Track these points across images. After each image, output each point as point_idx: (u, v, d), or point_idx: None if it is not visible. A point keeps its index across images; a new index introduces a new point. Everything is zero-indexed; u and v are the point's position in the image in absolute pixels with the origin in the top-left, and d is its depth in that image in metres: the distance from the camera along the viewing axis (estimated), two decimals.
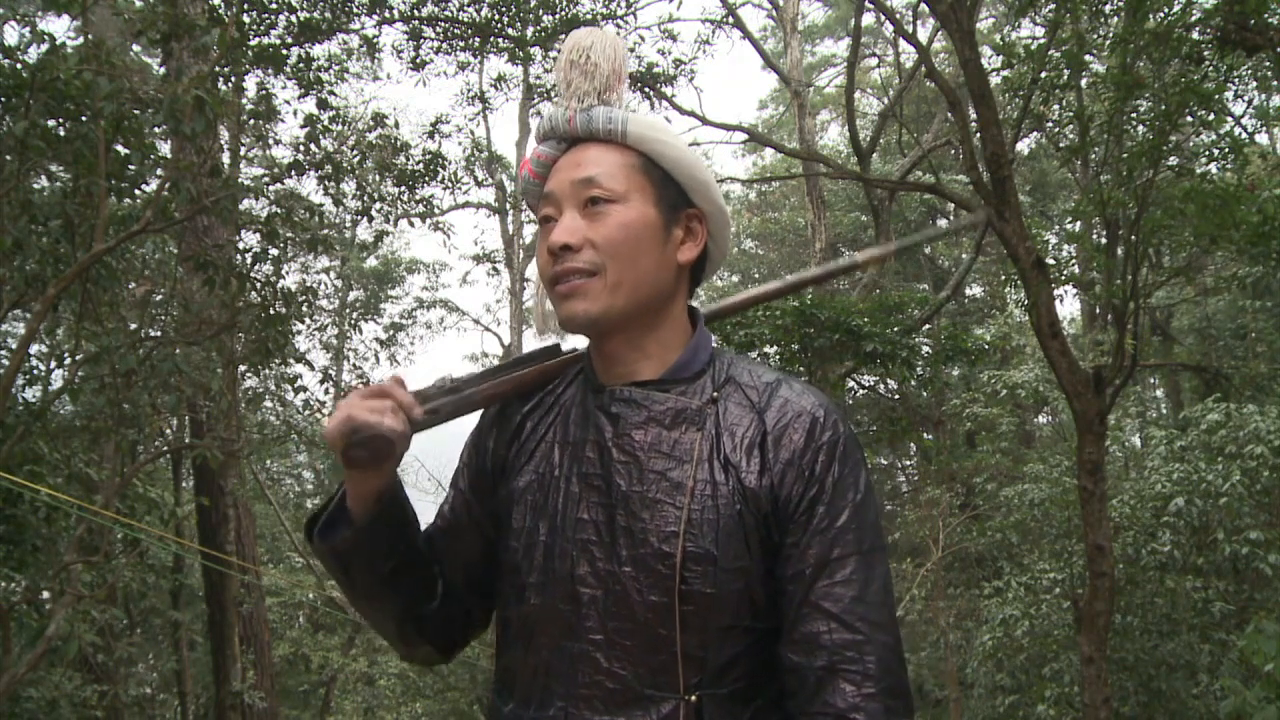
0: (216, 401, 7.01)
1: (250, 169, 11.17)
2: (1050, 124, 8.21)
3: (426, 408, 1.27)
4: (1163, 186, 7.16)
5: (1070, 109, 7.66)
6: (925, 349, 9.74)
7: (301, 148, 6.85)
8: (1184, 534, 9.23)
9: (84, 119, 5.04)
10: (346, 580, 1.30)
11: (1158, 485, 9.22)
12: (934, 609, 13.22)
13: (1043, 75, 7.13)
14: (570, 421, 1.31)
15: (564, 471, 1.27)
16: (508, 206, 18.55)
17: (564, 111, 1.31)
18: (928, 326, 11.70)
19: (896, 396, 16.19)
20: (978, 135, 7.00)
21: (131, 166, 5.25)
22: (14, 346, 6.95)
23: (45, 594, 6.20)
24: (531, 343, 1.47)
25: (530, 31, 10.55)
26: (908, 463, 19.35)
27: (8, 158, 5.09)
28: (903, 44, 13.90)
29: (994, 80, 7.74)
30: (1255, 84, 8.63)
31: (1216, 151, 7.37)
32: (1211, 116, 6.97)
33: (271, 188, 7.23)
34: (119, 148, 5.22)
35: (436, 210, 10.25)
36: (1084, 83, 7.77)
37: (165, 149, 7.11)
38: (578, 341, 1.36)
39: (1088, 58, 7.30)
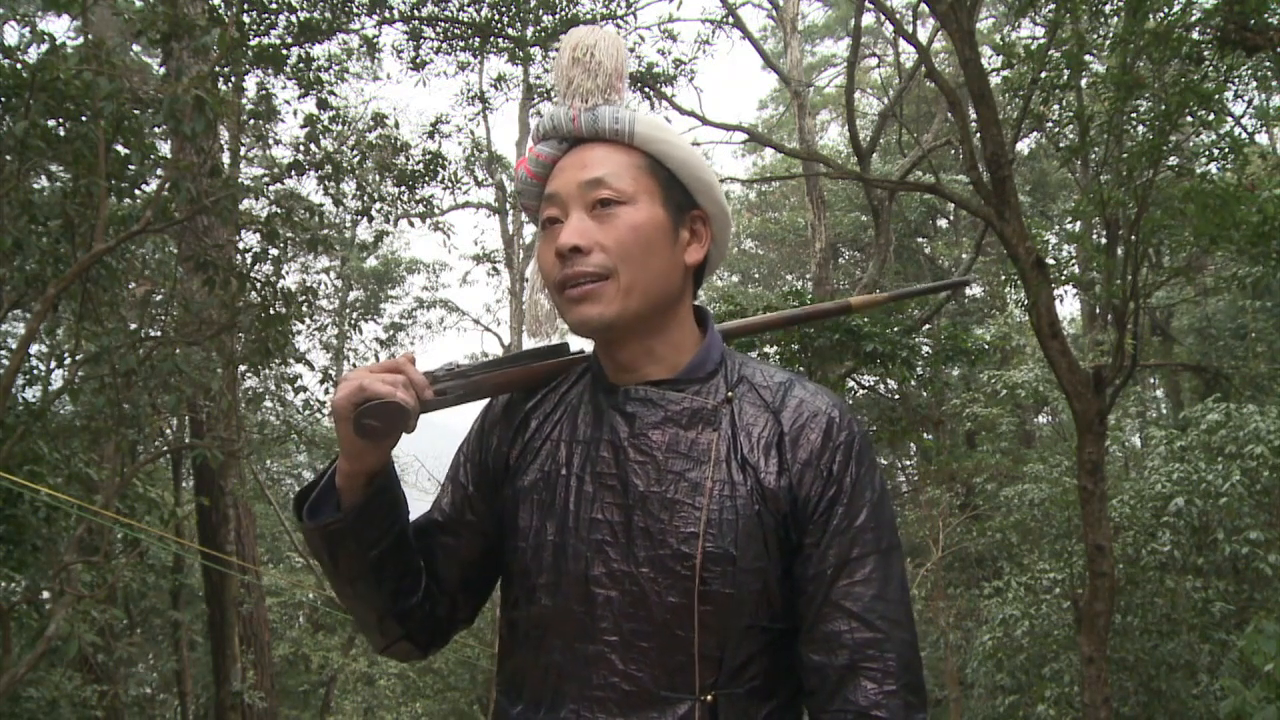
0: (216, 401, 7.01)
1: (250, 169, 11.21)
2: (1050, 124, 8.19)
3: (435, 388, 1.25)
4: (1163, 186, 7.16)
5: (1070, 109, 7.65)
6: (925, 349, 9.74)
7: (301, 148, 6.83)
8: (1184, 534, 9.22)
9: (84, 119, 5.03)
10: (331, 563, 1.26)
11: (1158, 485, 9.22)
12: (934, 609, 13.21)
13: (1043, 75, 7.12)
14: (579, 420, 1.29)
15: (574, 470, 1.25)
16: (508, 206, 18.53)
17: (567, 111, 1.27)
18: (928, 326, 11.72)
19: (896, 396, 16.18)
20: (978, 135, 7.00)
21: (131, 166, 5.24)
22: (14, 346, 6.94)
23: (45, 594, 6.20)
24: (531, 343, 1.46)
25: (530, 31, 10.55)
26: (908, 463, 19.32)
27: (8, 158, 5.09)
28: (903, 44, 13.92)
29: (994, 80, 7.74)
30: (1255, 84, 8.63)
31: (1216, 151, 7.35)
32: (1211, 116, 6.95)
33: (271, 188, 7.24)
34: (119, 148, 5.22)
35: (436, 210, 10.28)
36: (1084, 83, 7.75)
37: (165, 149, 7.12)
38: (584, 343, 1.35)
39: (1088, 58, 7.28)
